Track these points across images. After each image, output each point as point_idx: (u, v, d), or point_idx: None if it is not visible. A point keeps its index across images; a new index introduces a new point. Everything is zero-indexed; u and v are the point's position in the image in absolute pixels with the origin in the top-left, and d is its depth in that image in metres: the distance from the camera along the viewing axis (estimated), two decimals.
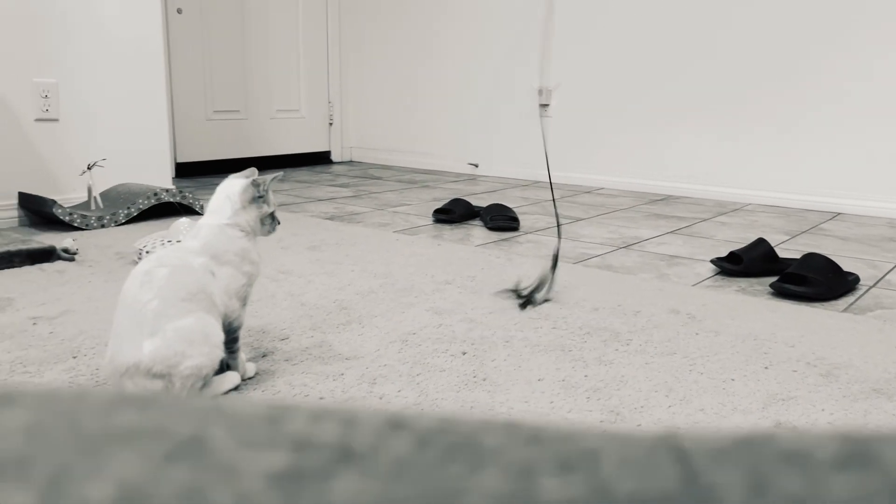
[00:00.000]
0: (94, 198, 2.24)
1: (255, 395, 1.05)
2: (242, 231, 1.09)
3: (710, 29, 2.99)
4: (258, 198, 1.10)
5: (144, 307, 0.95)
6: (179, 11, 3.41)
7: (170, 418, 0.12)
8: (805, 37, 2.78)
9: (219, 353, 1.00)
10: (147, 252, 1.75)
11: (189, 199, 2.41)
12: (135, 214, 2.26)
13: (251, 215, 1.10)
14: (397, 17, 4.01)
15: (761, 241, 1.85)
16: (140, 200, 2.27)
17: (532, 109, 3.57)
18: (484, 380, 1.12)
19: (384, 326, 1.36)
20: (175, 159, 3.51)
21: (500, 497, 0.10)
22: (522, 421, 0.13)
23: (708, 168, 3.08)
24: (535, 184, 3.47)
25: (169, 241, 1.77)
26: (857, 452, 0.11)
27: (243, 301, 1.09)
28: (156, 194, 2.30)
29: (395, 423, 0.12)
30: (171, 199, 2.35)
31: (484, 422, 0.13)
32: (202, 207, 2.47)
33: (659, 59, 3.15)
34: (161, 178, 2.62)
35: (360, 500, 0.10)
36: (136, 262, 1.77)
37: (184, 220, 1.83)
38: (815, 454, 0.11)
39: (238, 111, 3.75)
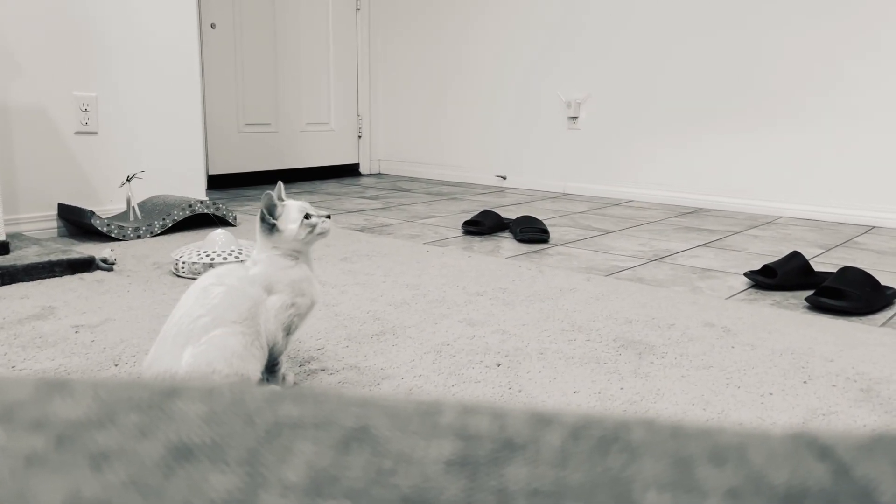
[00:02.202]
0: (133, 208, 2.28)
1: None
2: (292, 259, 1.08)
3: (741, 40, 2.98)
4: (271, 226, 1.07)
5: (195, 321, 0.96)
6: (213, 26, 3.47)
7: (331, 411, 0.13)
8: (839, 48, 2.75)
9: (248, 373, 1.00)
10: (184, 262, 1.78)
11: (223, 211, 2.45)
12: (170, 225, 2.30)
13: (286, 239, 1.08)
14: (426, 31, 4.04)
15: (796, 255, 1.83)
16: (175, 212, 2.31)
17: (562, 122, 3.57)
18: (520, 391, 1.12)
19: (418, 337, 1.37)
20: (207, 171, 3.56)
21: (666, 484, 0.11)
22: (658, 418, 0.14)
23: (739, 180, 3.06)
24: (564, 196, 3.47)
25: (205, 252, 1.80)
26: None
27: (288, 330, 1.07)
28: (190, 206, 2.34)
29: (543, 419, 0.13)
30: (206, 211, 2.38)
31: (622, 419, 0.13)
32: (235, 219, 2.51)
33: (689, 69, 3.14)
34: (195, 190, 2.66)
35: (535, 485, 0.11)
36: (174, 272, 1.80)
37: (219, 232, 1.86)
38: None
39: (269, 124, 3.80)
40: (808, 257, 2.15)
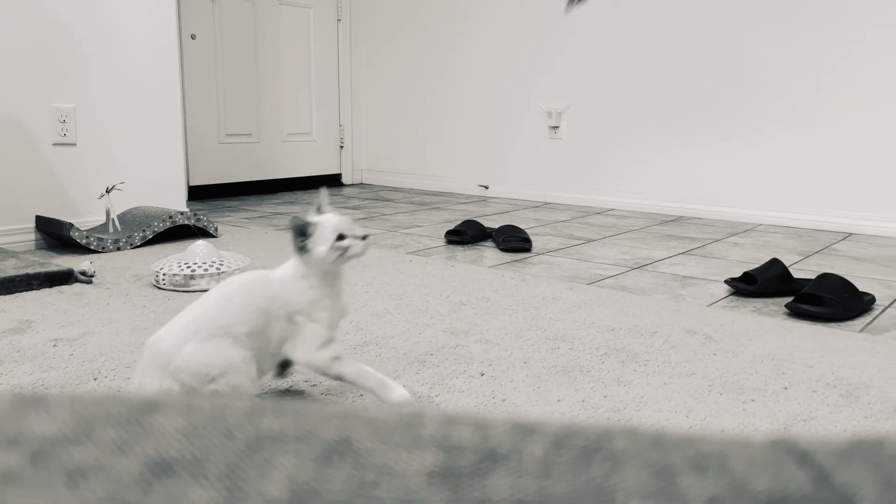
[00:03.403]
0: (113, 220, 2.26)
1: None
2: (318, 278, 1.04)
3: (720, 51, 3.01)
4: (301, 247, 1.03)
5: (212, 321, 0.97)
6: (193, 37, 3.46)
7: (312, 424, 0.13)
8: (817, 57, 2.79)
9: (239, 386, 0.99)
10: (164, 274, 1.77)
11: (204, 222, 2.43)
12: (150, 237, 2.28)
13: (315, 261, 1.03)
14: (408, 42, 4.05)
15: (775, 262, 1.85)
16: (155, 223, 2.29)
17: (543, 131, 3.59)
18: (504, 401, 1.12)
19: (401, 347, 1.36)
20: (188, 182, 3.54)
21: (648, 493, 0.11)
22: (640, 427, 0.14)
23: (719, 189, 3.09)
24: (546, 205, 3.49)
25: (186, 264, 1.78)
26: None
27: (324, 344, 1.04)
28: (171, 217, 2.32)
29: (526, 429, 0.13)
30: (186, 222, 2.37)
31: (605, 428, 0.13)
32: (216, 230, 2.49)
33: (668, 79, 3.17)
34: (175, 202, 2.64)
35: (518, 496, 0.11)
36: (154, 285, 1.79)
37: (200, 243, 1.84)
38: None
39: (250, 135, 3.78)
40: (787, 264, 2.17)
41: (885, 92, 2.66)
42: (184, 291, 1.75)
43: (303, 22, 3.96)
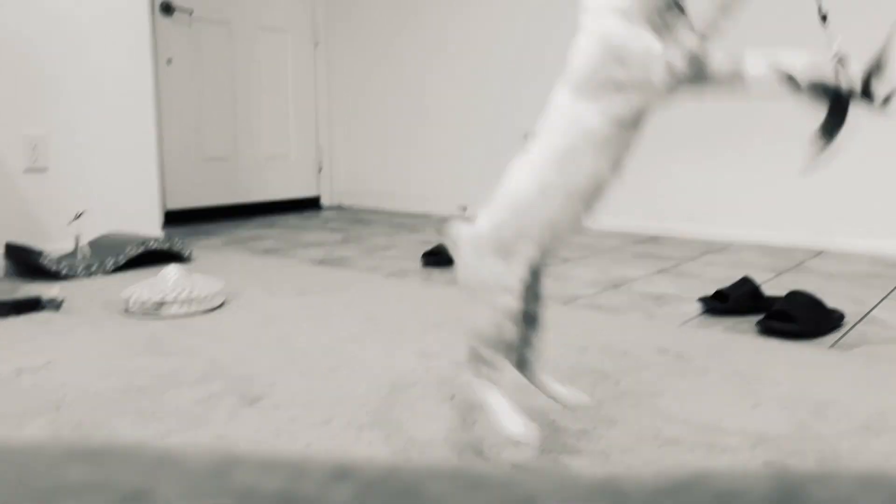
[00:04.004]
0: (81, 248, 2.24)
1: (213, 443, 1.04)
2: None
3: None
4: None
5: None
6: (169, 62, 3.46)
7: (119, 471, 0.13)
8: None
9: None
10: (134, 301, 1.75)
11: (178, 247, 2.41)
12: (122, 263, 2.25)
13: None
14: (387, 64, 4.08)
15: (746, 280, 1.87)
16: (128, 249, 2.27)
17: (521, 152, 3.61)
18: (473, 424, 1.11)
19: (372, 371, 1.35)
20: (164, 206, 3.52)
21: None
22: (469, 467, 0.14)
23: (695, 208, 3.11)
24: None
25: (157, 290, 1.76)
26: (788, 493, 0.12)
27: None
28: (143, 242, 2.30)
29: (342, 472, 0.13)
30: (160, 247, 2.35)
31: (432, 468, 0.13)
32: (190, 255, 2.47)
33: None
34: (150, 227, 2.63)
35: None
36: (124, 311, 1.76)
37: (172, 268, 1.83)
38: (747, 496, 0.12)
39: (228, 158, 3.78)
40: (760, 281, 2.19)
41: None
42: (154, 318, 1.73)
43: (280, 46, 3.97)
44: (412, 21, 3.92)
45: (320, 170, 4.27)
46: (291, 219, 3.76)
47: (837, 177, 2.77)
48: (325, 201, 4.32)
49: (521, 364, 0.93)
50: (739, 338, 1.59)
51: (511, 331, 0.86)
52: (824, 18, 0.98)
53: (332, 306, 1.85)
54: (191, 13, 3.50)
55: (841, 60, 0.91)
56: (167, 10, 3.42)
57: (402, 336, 1.58)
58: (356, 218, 3.80)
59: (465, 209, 3.85)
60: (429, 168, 3.99)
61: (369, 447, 1.03)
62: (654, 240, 3.06)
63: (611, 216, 3.34)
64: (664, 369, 1.36)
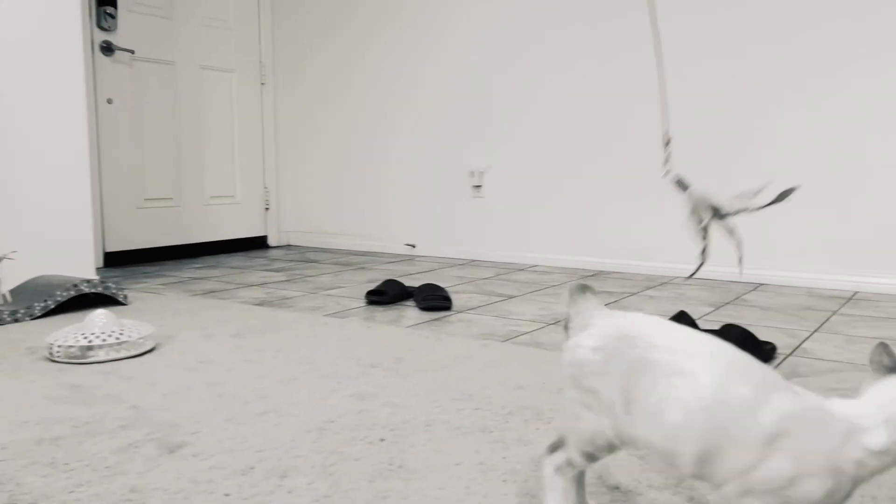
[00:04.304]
0: (3, 294, 2.15)
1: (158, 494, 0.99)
2: None
3: (633, 108, 3.13)
4: None
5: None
6: (110, 102, 3.40)
7: None
8: (726, 112, 2.93)
9: None
10: (59, 346, 1.68)
11: (112, 290, 2.34)
12: (52, 307, 2.18)
13: None
14: (333, 103, 4.09)
15: (683, 314, 1.89)
16: (58, 293, 2.19)
17: (467, 190, 3.64)
18: (400, 467, 1.09)
19: (303, 415, 1.32)
20: (104, 248, 3.43)
21: None
22: None
23: (638, 243, 3.16)
24: (472, 263, 3.50)
25: (83, 335, 1.70)
26: None
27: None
28: (75, 286, 2.23)
29: None
30: (92, 290, 2.28)
31: None
32: (125, 297, 2.40)
33: (587, 140, 3.27)
34: (84, 269, 2.55)
35: None
36: (49, 358, 1.70)
37: (100, 312, 1.77)
38: None
39: (171, 199, 3.71)
40: (698, 315, 2.22)
41: (791, 150, 2.80)
42: (80, 363, 1.66)
43: (225, 86, 3.95)
44: (360, 61, 3.95)
45: (267, 209, 4.23)
46: (237, 259, 3.71)
47: (775, 214, 2.85)
48: (272, 241, 4.27)
49: (580, 479, 0.87)
50: None
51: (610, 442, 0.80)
52: (667, 144, 1.07)
53: (267, 349, 1.81)
54: (132, 53, 3.47)
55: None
56: (108, 49, 3.38)
57: (336, 378, 1.55)
58: (303, 257, 3.76)
59: (413, 247, 3.85)
60: (377, 206, 3.98)
61: (289, 496, 0.99)
62: (598, 275, 3.09)
63: (556, 252, 3.37)
64: None
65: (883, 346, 0.73)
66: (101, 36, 3.37)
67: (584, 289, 0.86)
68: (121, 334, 1.72)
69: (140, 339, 1.77)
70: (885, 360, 0.73)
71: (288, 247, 4.26)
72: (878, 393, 0.71)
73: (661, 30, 2.97)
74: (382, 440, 1.20)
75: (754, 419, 0.69)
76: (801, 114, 2.75)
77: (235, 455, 1.13)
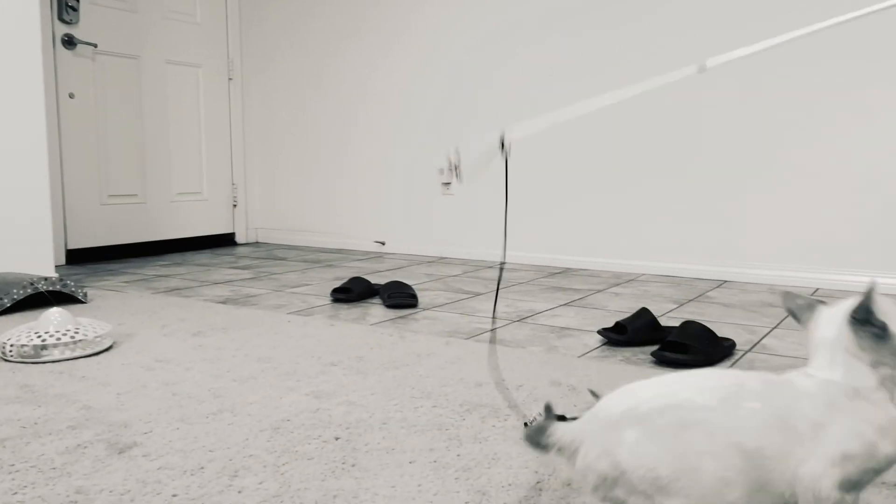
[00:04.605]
0: None
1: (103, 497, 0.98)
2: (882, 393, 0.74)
3: (603, 111, 3.15)
4: (881, 329, 0.74)
5: (694, 409, 0.71)
6: (72, 96, 3.34)
7: None
8: (695, 113, 2.96)
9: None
10: (12, 345, 1.65)
11: (71, 287, 2.30)
12: (8, 305, 2.13)
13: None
14: (304, 98, 4.05)
15: (644, 311, 1.90)
16: (15, 291, 2.15)
17: (436, 188, 3.63)
18: (353, 466, 1.08)
19: (257, 414, 1.30)
20: (66, 245, 3.37)
21: None
22: None
23: (605, 241, 3.18)
24: (441, 260, 3.50)
25: (37, 333, 1.67)
26: None
27: (847, 487, 0.70)
28: (32, 284, 2.19)
29: None
30: (50, 288, 2.23)
31: None
32: (85, 295, 2.36)
33: (555, 140, 3.28)
34: (43, 267, 2.50)
35: None
36: (1, 357, 1.66)
37: (54, 311, 1.73)
38: None
39: (136, 195, 3.66)
40: (663, 312, 2.24)
41: (754, 149, 2.83)
42: (33, 363, 1.63)
43: (191, 81, 3.90)
44: (332, 57, 3.93)
45: (235, 206, 4.18)
46: (203, 256, 3.66)
47: (739, 211, 2.88)
48: (240, 238, 4.22)
49: None
50: (634, 369, 1.62)
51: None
52: (502, 146, 1.17)
53: (227, 347, 1.79)
54: (95, 47, 3.41)
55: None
56: (69, 42, 3.32)
57: (295, 377, 1.54)
58: (271, 254, 3.73)
59: (383, 244, 3.83)
60: (346, 203, 3.96)
61: (238, 495, 0.98)
62: (564, 272, 3.10)
63: (525, 250, 3.38)
64: (555, 402, 1.36)
65: (787, 294, 0.81)
66: (62, 29, 3.31)
67: None
68: (76, 333, 1.69)
69: (97, 337, 1.74)
70: (798, 302, 0.81)
71: (256, 244, 4.22)
72: (822, 349, 0.77)
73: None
74: (337, 439, 1.19)
75: (791, 419, 0.71)
76: (763, 112, 2.79)
77: (186, 455, 1.12)
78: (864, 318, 0.74)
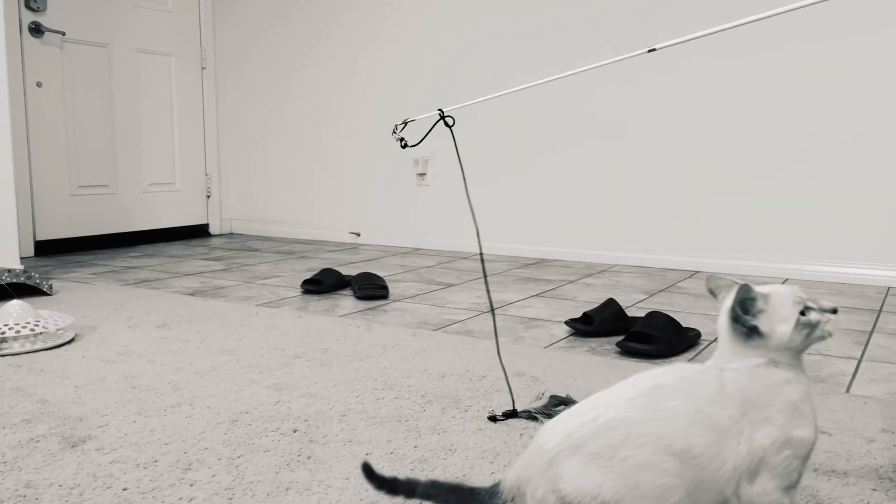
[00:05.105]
0: None
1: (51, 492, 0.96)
2: (786, 368, 0.76)
3: (574, 97, 3.15)
4: (750, 328, 0.76)
5: (620, 426, 0.70)
6: (39, 85, 3.29)
7: None
8: (663, 105, 2.96)
9: None
10: None
11: (35, 279, 2.27)
12: None
13: (773, 346, 0.76)
14: (275, 89, 4.02)
15: (611, 302, 1.91)
16: None
17: (412, 179, 3.62)
18: (309, 458, 1.07)
19: (216, 406, 1.29)
20: (35, 237, 3.32)
21: None
22: None
23: (579, 231, 3.19)
24: (416, 251, 3.49)
25: None
26: None
27: (787, 483, 0.72)
28: None
29: None
30: (14, 280, 2.20)
31: None
32: (50, 287, 2.33)
33: (530, 131, 3.27)
34: (7, 259, 2.46)
35: None
36: None
37: (14, 303, 1.71)
38: None
39: (106, 186, 3.61)
40: (632, 302, 2.25)
41: (725, 141, 2.85)
42: None
43: (163, 70, 3.85)
44: (308, 47, 3.89)
45: (209, 197, 4.14)
46: (176, 248, 3.63)
47: (711, 204, 2.90)
48: (214, 229, 4.19)
49: None
50: (599, 359, 1.62)
51: None
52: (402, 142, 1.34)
53: (191, 339, 1.77)
54: (63, 35, 3.35)
55: None
56: (37, 30, 3.26)
57: (258, 369, 1.53)
58: (244, 246, 3.70)
59: (358, 235, 3.82)
60: (322, 194, 3.94)
61: (190, 489, 0.97)
62: (539, 263, 3.11)
63: (500, 240, 3.38)
64: (516, 394, 1.36)
65: (711, 276, 0.84)
66: (29, 17, 3.25)
67: None
68: (36, 325, 1.67)
69: (59, 330, 1.71)
70: (719, 283, 0.83)
71: (230, 235, 4.19)
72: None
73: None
74: (295, 431, 1.18)
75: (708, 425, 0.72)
76: (735, 104, 2.80)
77: (140, 449, 1.11)
78: (734, 317, 0.77)
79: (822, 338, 0.77)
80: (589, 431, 0.70)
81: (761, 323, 0.76)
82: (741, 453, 0.71)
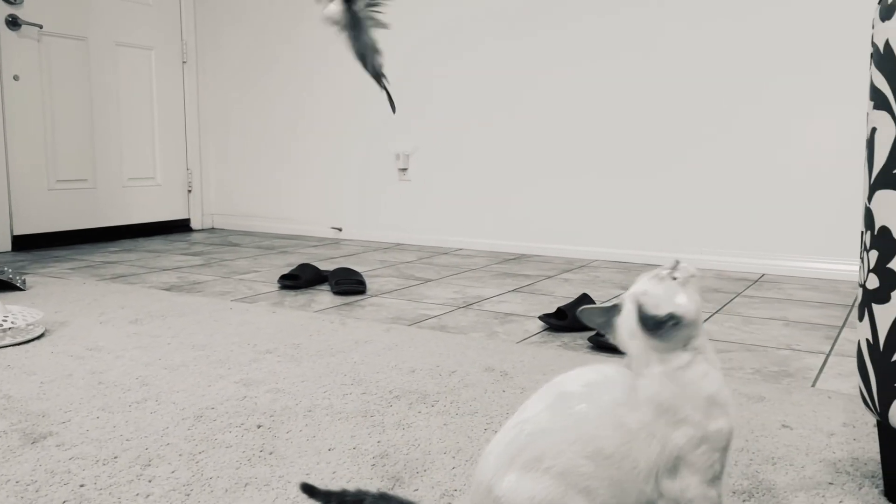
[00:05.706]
0: None
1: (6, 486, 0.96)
2: (700, 361, 0.73)
3: (555, 96, 3.15)
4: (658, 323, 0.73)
5: (540, 437, 0.72)
6: (16, 78, 3.26)
7: None
8: (642, 104, 2.97)
9: None
10: None
11: (8, 274, 2.25)
12: None
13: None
14: (258, 84, 4.00)
15: (584, 297, 1.92)
16: None
17: (393, 173, 3.61)
18: (270, 454, 1.07)
19: (182, 402, 1.29)
20: (12, 232, 3.29)
21: None
22: None
23: (559, 227, 3.20)
24: (397, 246, 3.49)
25: None
26: None
27: (713, 477, 0.72)
28: None
29: None
30: None
31: None
32: (23, 282, 2.31)
33: (509, 128, 3.27)
34: None
35: None
36: None
37: None
38: None
39: (85, 180, 3.58)
40: (608, 297, 2.25)
41: (702, 137, 2.86)
42: None
43: (144, 64, 3.82)
44: (288, 41, 3.87)
45: (190, 192, 4.12)
46: (156, 243, 3.60)
47: (688, 199, 2.91)
48: (195, 224, 4.16)
49: None
50: (571, 353, 1.62)
51: None
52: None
53: (163, 335, 1.76)
54: (41, 28, 3.32)
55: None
56: (13, 23, 3.23)
57: (227, 364, 1.52)
58: (225, 241, 3.68)
59: (339, 230, 3.81)
60: (303, 189, 3.92)
61: (148, 485, 0.97)
62: (518, 259, 3.11)
63: (480, 236, 3.38)
64: (485, 388, 1.37)
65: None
66: (6, 9, 3.21)
67: None
68: (5, 320, 1.65)
69: (28, 325, 1.70)
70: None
71: (211, 230, 4.17)
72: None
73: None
74: (259, 427, 1.18)
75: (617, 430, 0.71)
76: (710, 100, 2.81)
77: (101, 444, 1.10)
78: (642, 319, 0.74)
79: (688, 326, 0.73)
80: (517, 448, 0.72)
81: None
82: (654, 453, 0.71)
